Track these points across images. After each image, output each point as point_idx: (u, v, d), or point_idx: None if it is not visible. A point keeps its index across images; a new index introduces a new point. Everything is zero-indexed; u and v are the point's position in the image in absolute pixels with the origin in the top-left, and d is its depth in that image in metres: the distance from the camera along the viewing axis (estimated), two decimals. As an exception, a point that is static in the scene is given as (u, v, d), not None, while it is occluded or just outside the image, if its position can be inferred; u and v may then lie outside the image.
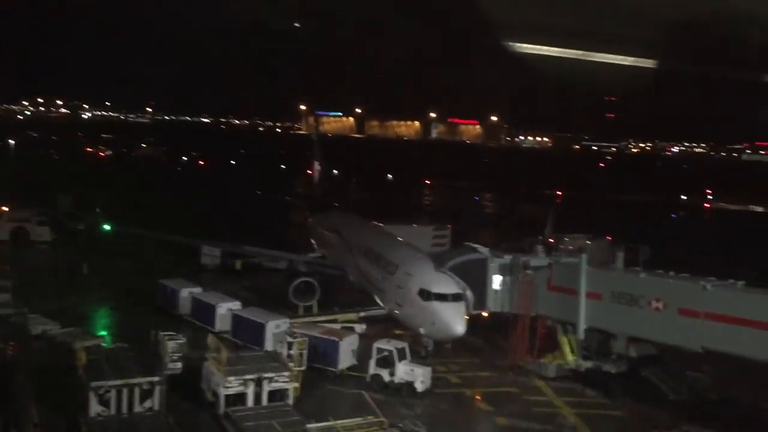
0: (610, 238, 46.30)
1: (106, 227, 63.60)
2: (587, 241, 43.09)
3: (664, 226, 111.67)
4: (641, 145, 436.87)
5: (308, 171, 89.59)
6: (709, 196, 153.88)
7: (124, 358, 33.91)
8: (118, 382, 31.14)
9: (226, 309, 44.46)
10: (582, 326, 39.32)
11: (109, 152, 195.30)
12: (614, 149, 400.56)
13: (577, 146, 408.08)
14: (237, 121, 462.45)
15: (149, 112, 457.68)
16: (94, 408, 30.75)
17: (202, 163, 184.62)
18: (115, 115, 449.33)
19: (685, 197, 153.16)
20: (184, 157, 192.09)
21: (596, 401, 37.95)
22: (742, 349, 33.30)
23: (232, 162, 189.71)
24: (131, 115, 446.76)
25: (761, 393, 39.40)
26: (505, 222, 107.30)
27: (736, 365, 36.41)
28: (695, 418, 35.87)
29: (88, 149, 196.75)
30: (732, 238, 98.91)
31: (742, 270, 39.67)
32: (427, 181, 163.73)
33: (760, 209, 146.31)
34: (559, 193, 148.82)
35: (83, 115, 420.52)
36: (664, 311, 35.97)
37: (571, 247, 42.64)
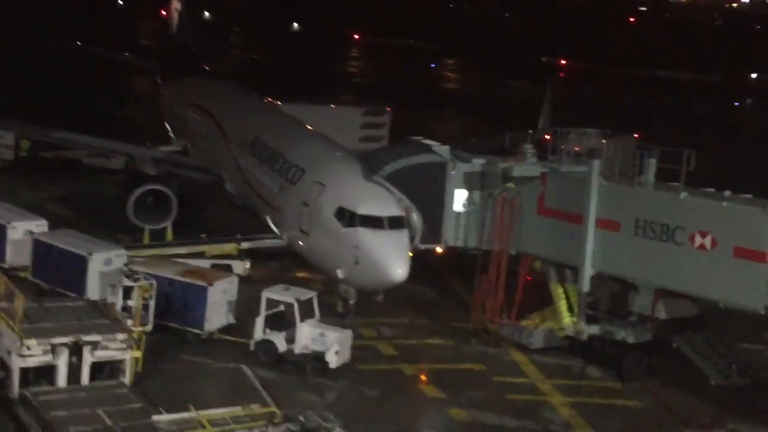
0: (637, 136, 47.15)
1: None
2: (602, 140, 43.70)
3: (721, 121, 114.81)
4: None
5: (161, 11, 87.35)
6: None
7: None
8: None
9: (23, 232, 43.82)
10: (588, 271, 40.32)
11: None
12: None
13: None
14: None
15: None
16: None
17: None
18: None
19: (755, 75, 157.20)
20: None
21: (603, 385, 39.32)
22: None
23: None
24: None
25: None
26: (476, 105, 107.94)
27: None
28: (748, 411, 37.55)
29: None
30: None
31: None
32: (355, 36, 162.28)
33: None
34: (563, 62, 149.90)
35: None
36: (714, 251, 37.01)
37: (577, 149, 43.22)
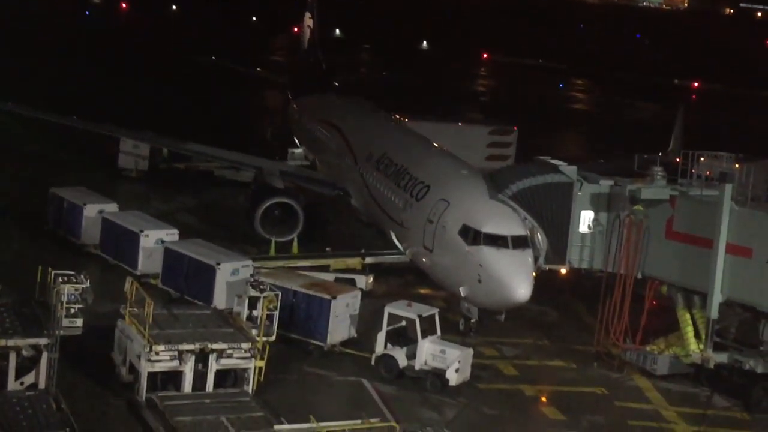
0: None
1: None
2: (735, 165, 42.63)
3: None
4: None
5: (294, 28, 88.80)
6: None
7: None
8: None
9: (155, 240, 44.98)
10: (717, 298, 39.44)
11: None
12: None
13: (730, 9, 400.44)
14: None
15: None
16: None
17: (124, 6, 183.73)
18: None
19: None
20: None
21: (730, 415, 38.36)
22: None
23: (173, 6, 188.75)
24: None
25: None
26: (605, 126, 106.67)
27: None
28: None
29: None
30: None
31: None
32: (484, 55, 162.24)
33: None
34: (696, 85, 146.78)
35: None
36: None
37: (708, 173, 42.30)
